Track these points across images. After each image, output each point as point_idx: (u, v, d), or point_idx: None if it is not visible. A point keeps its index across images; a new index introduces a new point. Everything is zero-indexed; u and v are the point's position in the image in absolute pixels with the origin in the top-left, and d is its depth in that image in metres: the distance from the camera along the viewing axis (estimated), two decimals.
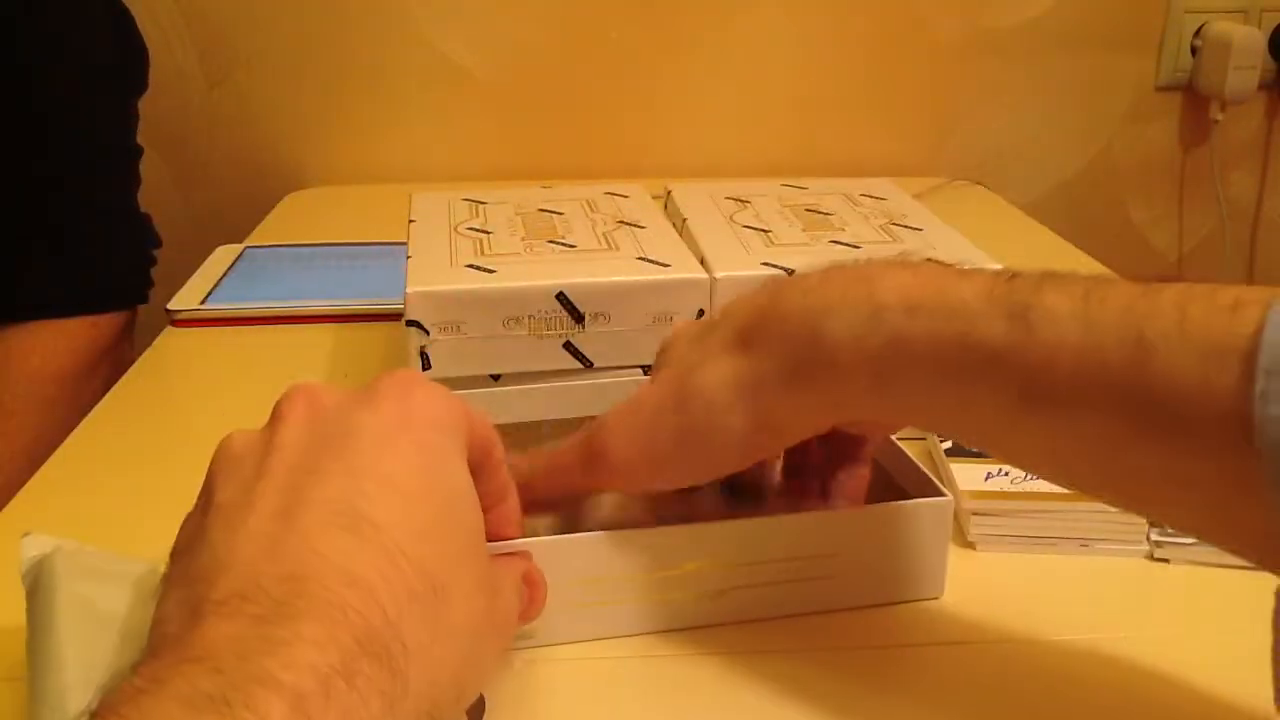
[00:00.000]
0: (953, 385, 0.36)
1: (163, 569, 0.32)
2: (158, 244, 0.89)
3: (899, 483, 0.49)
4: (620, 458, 0.41)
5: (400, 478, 0.31)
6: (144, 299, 0.86)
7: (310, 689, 0.24)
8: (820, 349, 0.37)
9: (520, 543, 0.43)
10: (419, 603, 0.29)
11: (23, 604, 0.45)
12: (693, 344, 0.42)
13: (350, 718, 0.25)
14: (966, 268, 0.37)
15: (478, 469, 0.35)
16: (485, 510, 0.35)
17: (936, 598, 0.47)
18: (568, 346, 0.57)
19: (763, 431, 0.40)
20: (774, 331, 0.39)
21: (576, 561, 0.43)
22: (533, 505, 0.42)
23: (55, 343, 0.79)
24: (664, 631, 0.45)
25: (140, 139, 0.90)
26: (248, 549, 0.28)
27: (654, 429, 0.41)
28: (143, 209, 0.89)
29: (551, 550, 0.43)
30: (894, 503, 0.46)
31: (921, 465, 0.48)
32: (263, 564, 0.28)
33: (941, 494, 0.46)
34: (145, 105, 0.91)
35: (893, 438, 0.51)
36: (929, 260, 0.39)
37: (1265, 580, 0.49)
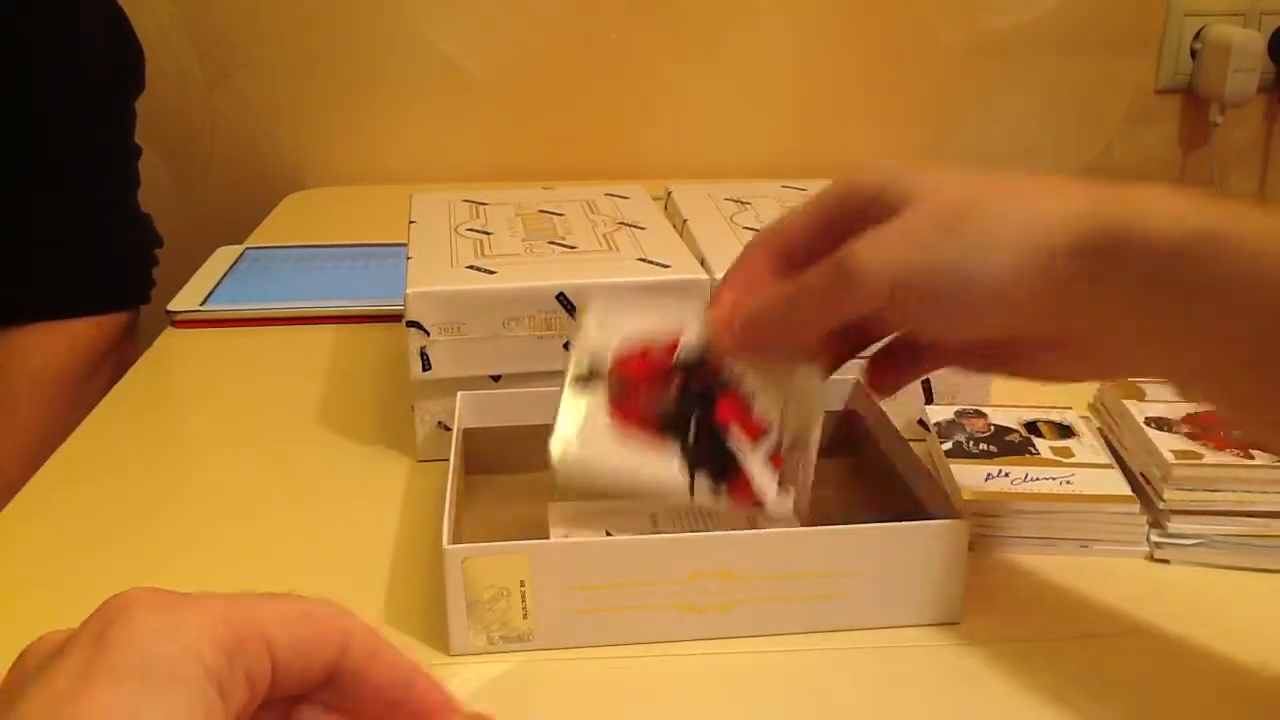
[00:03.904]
0: None
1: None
2: (159, 244, 0.89)
3: (917, 496, 0.49)
4: (876, 274, 0.39)
5: None
6: (146, 299, 0.86)
7: None
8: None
9: (520, 544, 0.43)
10: None
11: (21, 599, 0.45)
12: (951, 174, 0.41)
13: None
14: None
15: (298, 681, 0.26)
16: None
17: (955, 623, 0.46)
18: (568, 347, 0.57)
19: (1031, 304, 0.38)
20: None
21: (578, 565, 0.43)
22: (766, 341, 0.44)
23: (58, 343, 0.79)
24: (665, 642, 0.45)
25: (140, 140, 0.90)
26: None
27: (921, 247, 0.39)
28: (143, 209, 0.89)
29: (553, 553, 0.43)
30: (905, 523, 0.45)
31: (943, 482, 0.47)
32: None
33: (955, 515, 0.45)
34: (145, 106, 0.91)
35: (906, 441, 0.51)
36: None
37: (1265, 581, 0.49)
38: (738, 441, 0.45)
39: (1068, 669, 0.44)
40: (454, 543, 0.43)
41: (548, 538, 0.45)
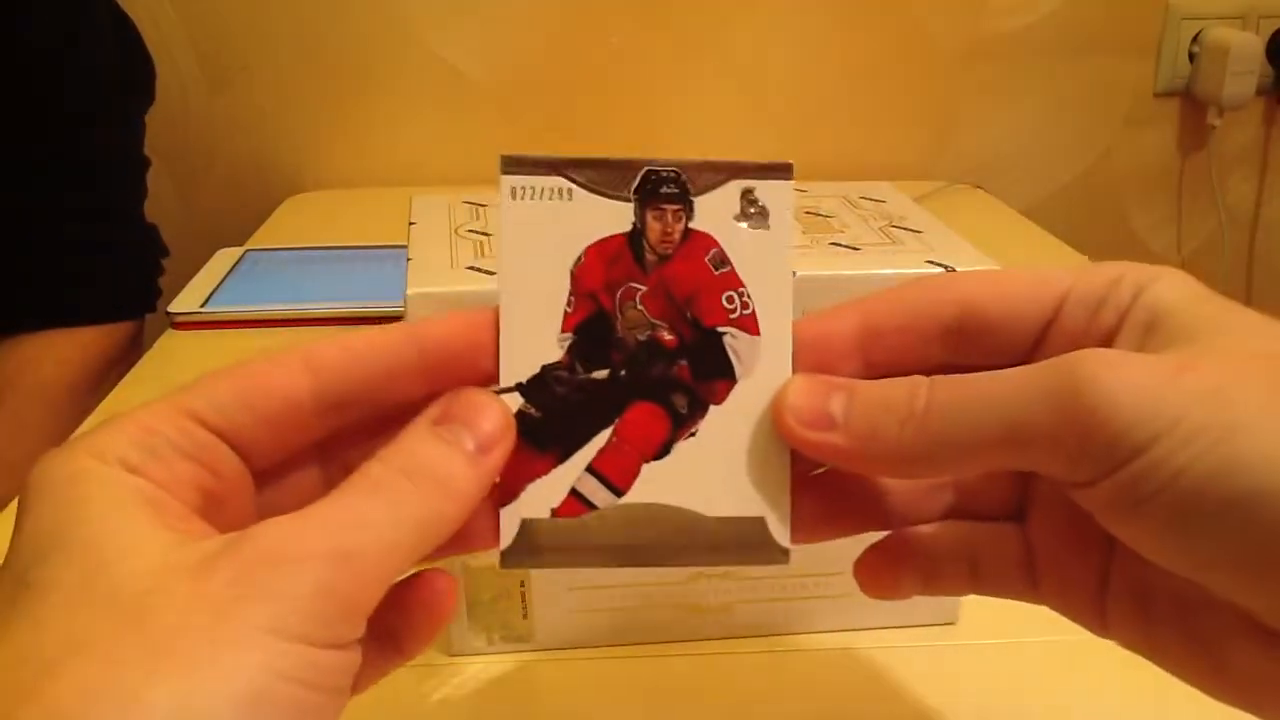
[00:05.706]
0: None
1: None
2: (166, 253, 0.89)
3: None
4: (1137, 419, 0.22)
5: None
6: (153, 308, 0.87)
7: None
8: None
9: None
10: None
11: None
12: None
13: None
14: None
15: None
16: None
17: (951, 623, 0.46)
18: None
19: None
20: None
21: None
22: (895, 454, 0.26)
23: (67, 351, 0.79)
24: (665, 642, 0.45)
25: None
26: None
27: (1229, 406, 0.22)
28: (149, 219, 0.89)
29: None
30: None
31: None
32: None
33: None
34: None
35: None
36: None
37: None
38: None
39: (1065, 668, 0.44)
40: None
41: None
